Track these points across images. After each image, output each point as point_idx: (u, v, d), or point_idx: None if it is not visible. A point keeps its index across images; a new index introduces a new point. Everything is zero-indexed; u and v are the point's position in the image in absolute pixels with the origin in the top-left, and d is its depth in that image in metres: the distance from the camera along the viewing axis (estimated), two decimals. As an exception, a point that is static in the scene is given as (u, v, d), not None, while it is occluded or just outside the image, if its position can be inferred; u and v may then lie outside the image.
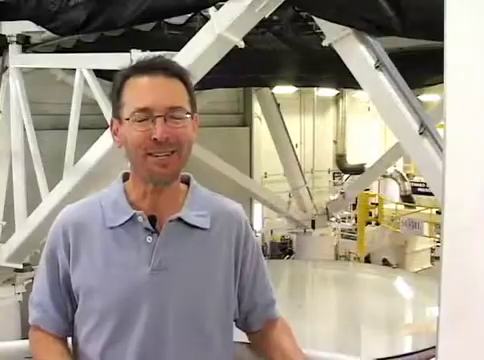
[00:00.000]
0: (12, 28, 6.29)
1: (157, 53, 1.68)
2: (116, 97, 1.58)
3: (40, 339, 1.68)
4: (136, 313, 1.56)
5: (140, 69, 1.56)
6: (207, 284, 1.63)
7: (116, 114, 1.59)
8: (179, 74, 1.57)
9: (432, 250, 15.10)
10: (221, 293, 1.65)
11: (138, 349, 1.56)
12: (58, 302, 1.65)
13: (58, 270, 1.63)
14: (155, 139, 1.50)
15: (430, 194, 11.53)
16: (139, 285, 1.57)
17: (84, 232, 1.61)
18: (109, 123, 1.65)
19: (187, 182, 1.70)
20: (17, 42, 6.31)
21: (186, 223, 1.61)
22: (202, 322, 1.61)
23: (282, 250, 14.62)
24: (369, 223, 14.46)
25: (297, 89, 13.68)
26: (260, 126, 13.72)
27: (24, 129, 6.38)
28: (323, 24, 4.42)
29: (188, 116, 1.56)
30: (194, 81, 1.67)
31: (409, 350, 6.81)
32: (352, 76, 4.39)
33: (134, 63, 1.60)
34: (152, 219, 1.59)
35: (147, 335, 1.56)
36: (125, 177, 1.70)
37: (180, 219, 1.60)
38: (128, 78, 1.57)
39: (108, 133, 5.30)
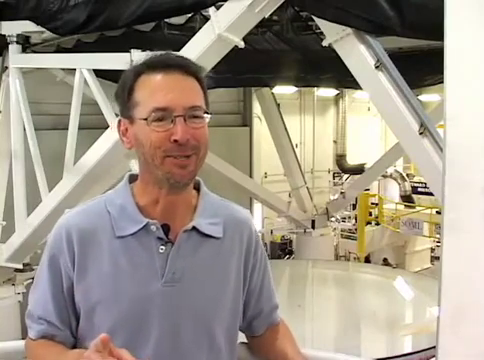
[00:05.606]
0: (12, 28, 6.29)
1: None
2: (127, 96, 1.46)
3: (47, 344, 1.52)
4: (147, 327, 1.48)
5: (154, 66, 1.45)
6: (219, 293, 1.57)
7: (127, 114, 1.47)
8: (195, 72, 1.48)
9: (432, 250, 15.12)
10: (230, 301, 1.60)
11: None
12: (63, 315, 1.52)
13: (61, 279, 1.50)
14: (175, 141, 1.40)
15: (430, 194, 11.53)
16: (151, 299, 1.48)
17: (90, 240, 1.49)
18: (114, 123, 1.55)
19: (196, 187, 1.61)
20: (17, 42, 6.31)
21: (200, 232, 1.54)
22: (213, 331, 1.56)
23: (282, 250, 14.61)
24: (369, 223, 14.46)
25: (297, 89, 13.66)
26: (260, 126, 13.72)
27: (24, 129, 6.38)
28: (323, 24, 4.42)
29: (206, 116, 1.48)
30: None
31: (409, 350, 6.82)
32: (352, 76, 4.38)
33: (146, 60, 1.47)
34: (165, 228, 1.50)
35: (159, 349, 1.50)
36: (131, 179, 1.58)
37: (194, 228, 1.53)
38: (140, 75, 1.45)
39: (108, 133, 5.32)
